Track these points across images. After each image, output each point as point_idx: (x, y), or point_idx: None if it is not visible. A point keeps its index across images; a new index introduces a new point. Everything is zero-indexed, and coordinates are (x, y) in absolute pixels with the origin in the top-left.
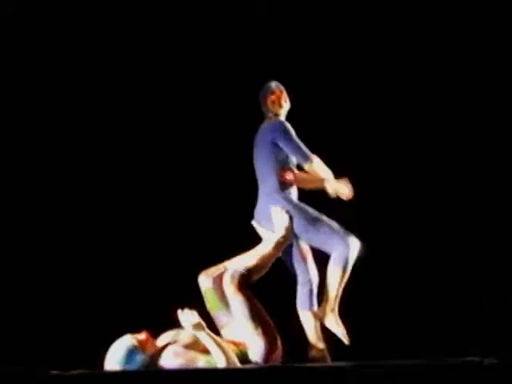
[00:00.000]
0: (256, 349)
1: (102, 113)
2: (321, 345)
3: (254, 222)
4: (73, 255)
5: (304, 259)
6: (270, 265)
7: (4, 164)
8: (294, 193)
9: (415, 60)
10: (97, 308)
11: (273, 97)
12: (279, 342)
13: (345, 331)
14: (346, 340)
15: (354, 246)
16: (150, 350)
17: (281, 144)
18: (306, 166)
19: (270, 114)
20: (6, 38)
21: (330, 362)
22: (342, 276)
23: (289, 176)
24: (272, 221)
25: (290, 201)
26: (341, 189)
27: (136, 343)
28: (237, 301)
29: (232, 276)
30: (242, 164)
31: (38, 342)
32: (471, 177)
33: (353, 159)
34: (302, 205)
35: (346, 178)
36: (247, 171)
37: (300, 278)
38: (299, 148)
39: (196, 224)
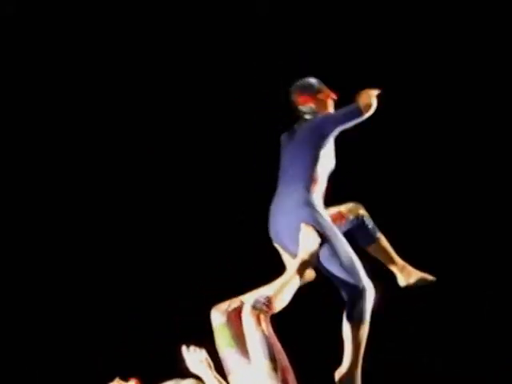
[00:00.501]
0: None
1: (102, 113)
2: (357, 369)
3: (276, 245)
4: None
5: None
6: (292, 294)
7: (4, 164)
8: (322, 206)
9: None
10: (86, 346)
11: (321, 96)
12: None
13: None
14: None
15: (371, 292)
16: None
17: (330, 125)
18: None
19: (310, 116)
20: (6, 38)
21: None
22: (360, 329)
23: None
24: (297, 241)
25: (322, 219)
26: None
27: None
28: (257, 336)
29: (253, 307)
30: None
31: None
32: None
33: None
34: (335, 227)
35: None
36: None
37: (347, 290)
38: (345, 112)
39: (202, 254)
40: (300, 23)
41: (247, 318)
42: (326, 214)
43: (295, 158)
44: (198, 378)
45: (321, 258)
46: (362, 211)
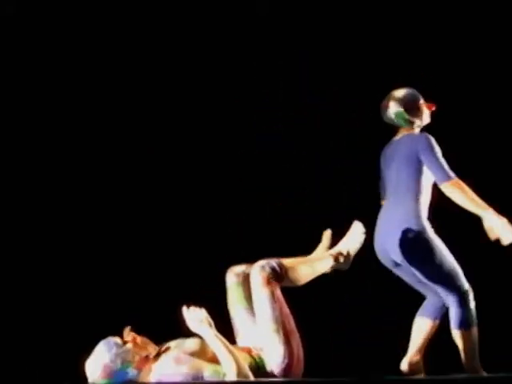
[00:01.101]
0: (275, 357)
1: (102, 113)
2: (419, 358)
3: (385, 264)
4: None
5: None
6: (311, 278)
7: (3, 164)
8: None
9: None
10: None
11: (425, 106)
12: (302, 356)
13: None
14: None
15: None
16: (141, 355)
17: (423, 158)
18: (447, 187)
19: (408, 126)
20: (6, 37)
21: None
22: (469, 335)
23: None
24: (404, 253)
25: (427, 233)
26: (503, 228)
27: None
28: (262, 295)
29: (262, 266)
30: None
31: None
32: None
33: None
34: (437, 239)
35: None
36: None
37: (450, 297)
38: (443, 165)
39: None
40: (300, 23)
41: (255, 276)
42: (429, 226)
43: (400, 171)
44: (200, 337)
45: (419, 271)
46: None
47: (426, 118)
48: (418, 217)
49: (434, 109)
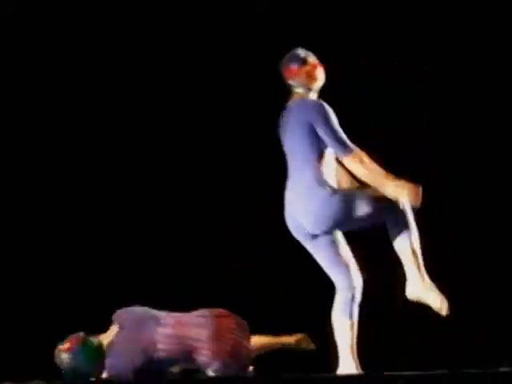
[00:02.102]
0: None
1: (102, 112)
2: (353, 361)
3: (296, 235)
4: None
5: (345, 261)
6: None
7: (3, 163)
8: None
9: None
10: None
11: (308, 67)
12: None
13: None
14: None
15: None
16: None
17: (318, 129)
18: (346, 160)
19: (301, 90)
20: (6, 37)
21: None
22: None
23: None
24: (317, 223)
25: (335, 191)
26: (409, 193)
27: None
28: None
29: None
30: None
31: None
32: None
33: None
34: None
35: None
36: None
37: (339, 283)
38: (340, 136)
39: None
40: (300, 23)
41: None
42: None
43: (297, 140)
44: None
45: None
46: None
47: (317, 78)
48: (322, 184)
49: (318, 72)
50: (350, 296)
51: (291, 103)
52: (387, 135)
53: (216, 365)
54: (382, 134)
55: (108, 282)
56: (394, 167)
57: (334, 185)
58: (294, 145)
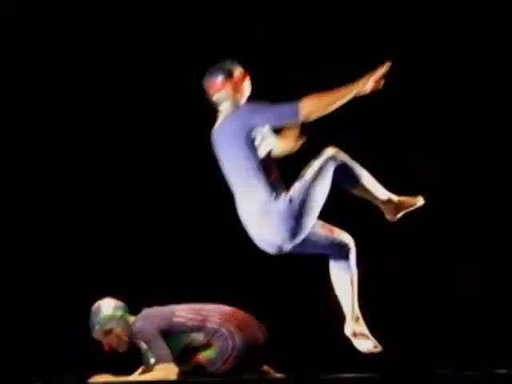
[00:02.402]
0: None
1: (102, 112)
2: (360, 317)
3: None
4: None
5: (328, 231)
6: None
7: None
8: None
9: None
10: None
11: (234, 79)
12: None
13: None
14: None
15: None
16: None
17: (256, 119)
18: (303, 111)
19: (227, 105)
20: (6, 37)
21: (372, 339)
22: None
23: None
24: (279, 233)
25: (291, 200)
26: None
27: None
28: None
29: None
30: None
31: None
32: None
33: None
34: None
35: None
36: None
37: (334, 249)
38: (278, 106)
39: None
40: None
41: None
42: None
43: (234, 159)
44: None
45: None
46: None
47: (243, 90)
48: (276, 197)
49: (245, 84)
50: (347, 251)
51: (217, 125)
52: (388, 135)
53: (222, 332)
54: (383, 135)
55: (108, 281)
56: (394, 167)
57: (282, 185)
58: (234, 164)
